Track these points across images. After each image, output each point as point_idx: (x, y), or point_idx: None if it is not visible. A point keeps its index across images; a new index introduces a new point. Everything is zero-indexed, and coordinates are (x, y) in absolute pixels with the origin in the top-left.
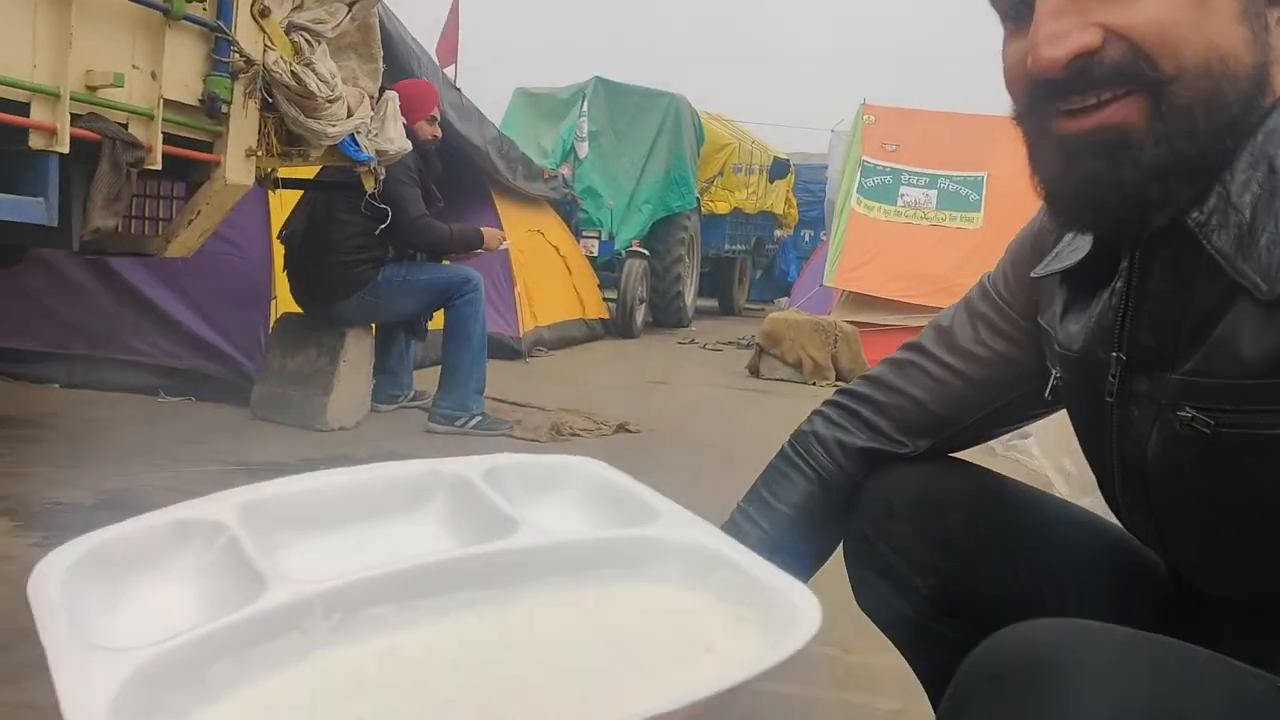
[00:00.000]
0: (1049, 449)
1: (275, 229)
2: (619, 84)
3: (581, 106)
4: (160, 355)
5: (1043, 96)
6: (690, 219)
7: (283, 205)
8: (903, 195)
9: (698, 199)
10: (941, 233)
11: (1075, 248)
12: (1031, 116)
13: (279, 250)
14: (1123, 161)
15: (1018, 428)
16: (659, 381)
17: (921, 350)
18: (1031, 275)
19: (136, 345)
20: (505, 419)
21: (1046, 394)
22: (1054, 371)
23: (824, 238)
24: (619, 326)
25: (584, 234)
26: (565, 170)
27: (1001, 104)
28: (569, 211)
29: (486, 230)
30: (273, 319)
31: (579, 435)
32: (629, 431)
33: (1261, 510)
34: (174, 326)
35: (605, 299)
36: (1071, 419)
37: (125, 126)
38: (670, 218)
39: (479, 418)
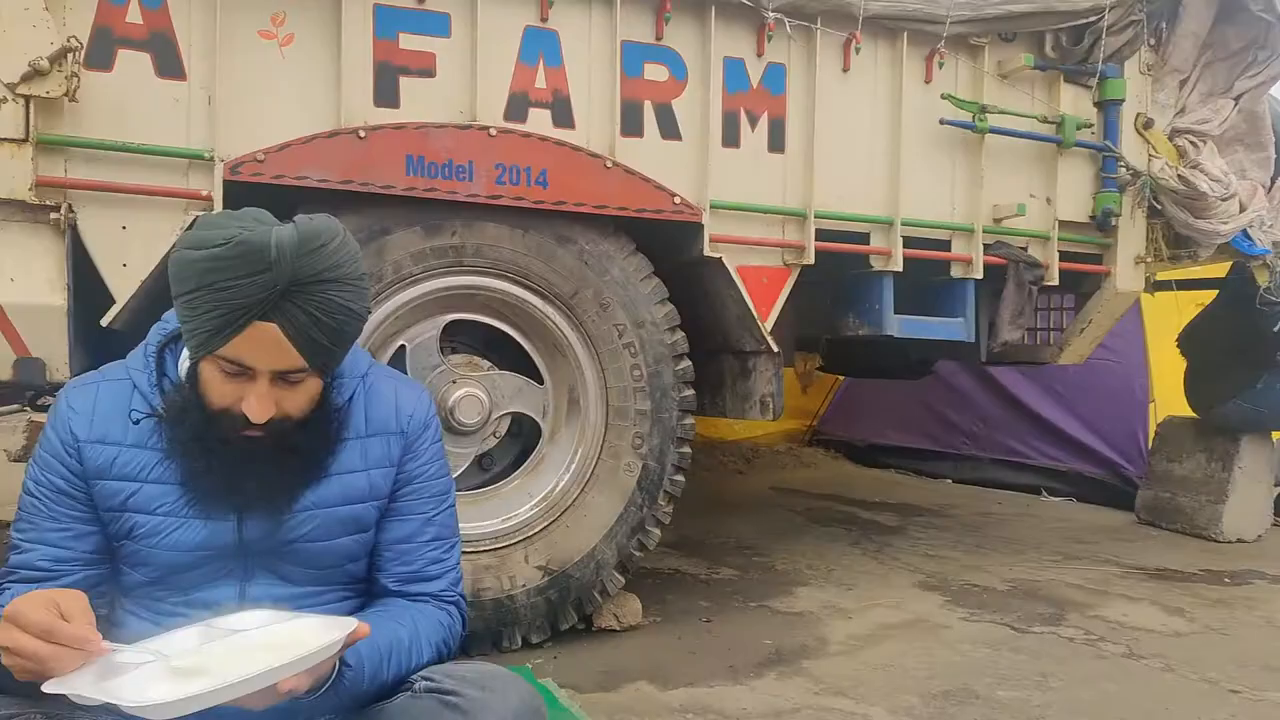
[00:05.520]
0: None
1: (1149, 333)
2: None
3: None
4: (1040, 457)
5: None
6: None
7: (1151, 310)
8: None
9: None
10: None
11: None
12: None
13: (1158, 353)
14: None
15: None
16: None
17: None
18: None
19: (1017, 447)
20: None
21: None
22: None
23: None
24: None
25: None
26: None
27: None
28: None
29: None
30: (1152, 424)
31: None
32: None
33: None
34: (1052, 431)
35: None
36: None
37: (1025, 249)
38: None
39: None
